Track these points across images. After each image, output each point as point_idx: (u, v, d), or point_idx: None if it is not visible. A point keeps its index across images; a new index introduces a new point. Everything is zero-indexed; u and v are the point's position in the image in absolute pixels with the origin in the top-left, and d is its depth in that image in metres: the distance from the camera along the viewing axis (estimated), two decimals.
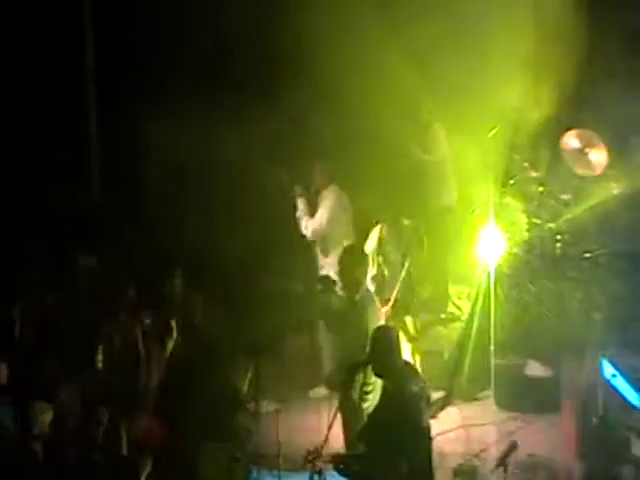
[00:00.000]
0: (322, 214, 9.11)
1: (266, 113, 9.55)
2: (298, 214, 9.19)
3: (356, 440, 6.42)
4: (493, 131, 9.31)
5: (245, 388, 8.47)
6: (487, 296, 8.97)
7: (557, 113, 9.88)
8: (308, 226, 9.13)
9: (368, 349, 6.32)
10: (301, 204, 9.17)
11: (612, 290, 9.16)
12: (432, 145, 10.04)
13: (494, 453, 7.80)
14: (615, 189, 9.54)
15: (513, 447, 5.93)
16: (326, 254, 9.12)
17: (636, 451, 7.38)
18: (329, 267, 8.93)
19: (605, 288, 9.20)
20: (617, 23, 9.98)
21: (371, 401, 6.73)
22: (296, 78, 9.74)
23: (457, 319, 9.75)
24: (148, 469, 6.78)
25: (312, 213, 9.15)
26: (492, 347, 9.06)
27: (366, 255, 7.39)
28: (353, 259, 7.28)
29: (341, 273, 7.28)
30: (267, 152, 9.72)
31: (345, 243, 8.89)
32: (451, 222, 10.01)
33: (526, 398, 8.81)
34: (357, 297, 7.14)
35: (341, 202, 9.19)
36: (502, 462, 5.84)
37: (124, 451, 6.86)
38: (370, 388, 6.75)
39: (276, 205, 9.76)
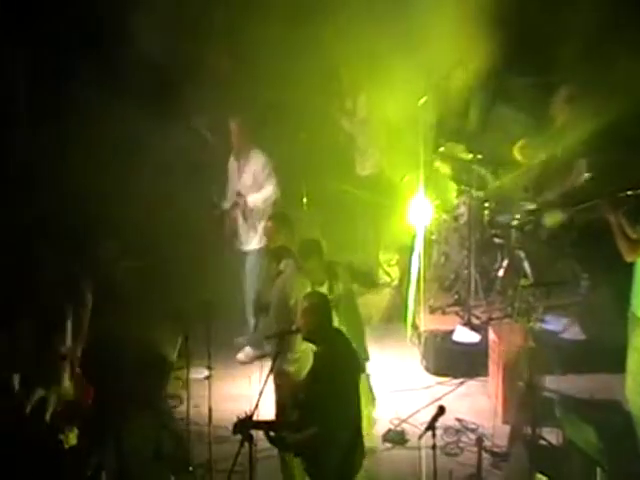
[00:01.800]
0: (268, 185, 9.02)
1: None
2: (230, 176, 9.11)
3: (287, 407, 6.44)
4: (423, 99, 9.33)
5: (174, 355, 8.45)
6: (417, 262, 9.05)
7: (486, 82, 9.98)
8: (257, 197, 9.02)
9: (298, 316, 6.32)
10: (232, 167, 9.08)
11: (537, 256, 9.31)
12: (359, 114, 10.07)
13: (423, 418, 7.91)
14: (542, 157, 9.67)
15: (441, 412, 5.98)
16: (252, 218, 9.09)
17: (559, 414, 7.54)
18: (256, 232, 8.95)
19: (530, 255, 9.33)
20: None
21: (299, 366, 6.74)
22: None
23: (387, 286, 9.83)
24: (74, 441, 6.71)
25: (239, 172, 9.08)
26: (422, 314, 9.18)
27: (290, 223, 7.33)
28: (277, 226, 7.25)
29: (266, 241, 7.25)
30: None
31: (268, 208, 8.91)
32: (380, 189, 10.06)
33: (454, 363, 8.94)
34: (282, 266, 7.12)
35: (267, 167, 9.10)
36: (430, 426, 5.89)
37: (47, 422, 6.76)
38: (298, 355, 6.77)
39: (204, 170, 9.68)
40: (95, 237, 8.45)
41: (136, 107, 9.18)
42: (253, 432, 5.96)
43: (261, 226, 8.87)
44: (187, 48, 9.62)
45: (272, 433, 6.10)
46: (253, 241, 9.09)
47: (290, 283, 6.92)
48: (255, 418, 6.03)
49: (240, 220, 9.14)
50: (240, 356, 9.09)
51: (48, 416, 6.58)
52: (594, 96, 9.38)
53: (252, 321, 9.00)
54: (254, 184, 9.08)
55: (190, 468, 7.37)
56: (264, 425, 6.13)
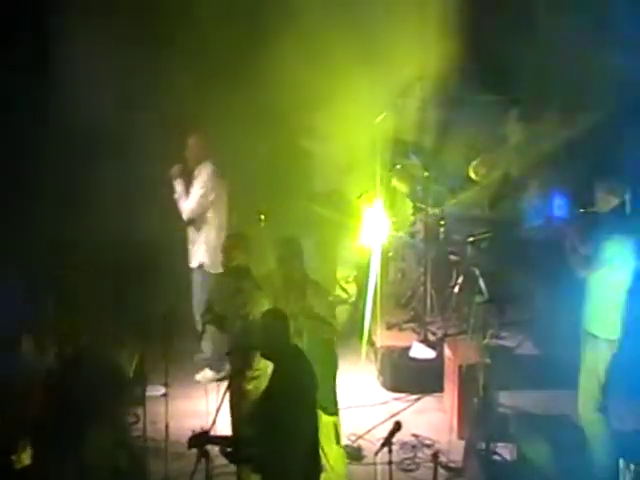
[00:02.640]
0: (195, 192, 9.01)
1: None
2: (176, 196, 9.09)
3: (244, 423, 6.44)
4: (380, 117, 9.41)
5: (131, 371, 8.40)
6: (373, 279, 9.11)
7: (442, 99, 10.09)
8: (184, 208, 9.03)
9: (256, 333, 6.34)
10: (178, 186, 9.06)
11: (492, 274, 9.42)
12: (318, 130, 10.13)
13: (380, 434, 7.96)
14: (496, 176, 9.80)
15: (397, 427, 6.02)
16: (199, 233, 9.07)
17: (514, 430, 7.63)
18: (201, 247, 8.94)
19: (485, 271, 9.44)
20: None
21: (256, 384, 6.75)
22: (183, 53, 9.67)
23: (344, 302, 9.85)
24: (27, 461, 6.65)
25: (188, 187, 9.07)
26: (379, 331, 9.23)
27: (248, 240, 7.35)
28: (233, 244, 7.26)
29: (223, 259, 7.25)
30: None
31: (218, 222, 8.90)
32: (337, 206, 10.11)
33: (410, 379, 9.00)
34: (242, 283, 7.13)
35: (215, 179, 9.06)
36: (387, 442, 5.93)
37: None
38: (257, 373, 6.77)
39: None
40: (50, 250, 8.40)
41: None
42: (209, 447, 5.95)
43: (200, 243, 8.89)
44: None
45: (228, 449, 6.10)
46: (194, 258, 9.11)
47: (249, 301, 6.93)
48: (211, 434, 6.03)
49: (189, 236, 9.16)
50: (198, 377, 9.05)
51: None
52: (548, 115, 9.55)
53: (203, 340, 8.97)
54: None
55: None
56: (220, 440, 6.12)
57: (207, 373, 9.01)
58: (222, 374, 8.65)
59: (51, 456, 6.80)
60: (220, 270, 7.76)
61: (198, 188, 9.02)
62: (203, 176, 9.04)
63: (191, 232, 9.16)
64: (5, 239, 8.92)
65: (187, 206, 9.04)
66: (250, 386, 6.78)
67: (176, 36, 9.84)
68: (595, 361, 7.18)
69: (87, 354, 7.50)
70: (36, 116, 9.60)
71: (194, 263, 9.12)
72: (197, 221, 9.09)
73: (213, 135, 9.27)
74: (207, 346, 8.97)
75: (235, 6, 9.73)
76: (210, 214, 9.09)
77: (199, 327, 8.81)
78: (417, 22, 9.64)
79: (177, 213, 9.19)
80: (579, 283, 7.29)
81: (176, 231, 9.28)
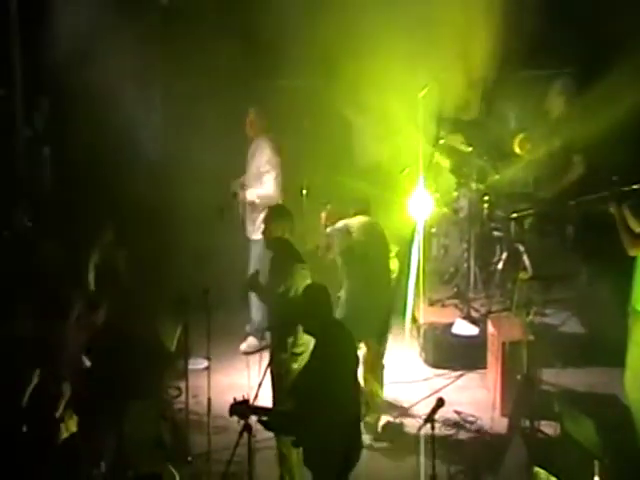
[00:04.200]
0: (268, 180, 8.99)
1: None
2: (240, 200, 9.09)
3: (286, 397, 6.44)
4: (423, 91, 9.32)
5: (173, 345, 8.44)
6: (416, 255, 9.06)
7: (486, 74, 9.97)
8: (263, 197, 8.97)
9: (298, 308, 6.32)
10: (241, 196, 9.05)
11: (537, 250, 9.32)
12: (361, 104, 10.06)
13: (422, 410, 7.92)
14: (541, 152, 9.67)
15: (440, 404, 5.98)
16: (259, 206, 9.01)
17: (557, 408, 7.56)
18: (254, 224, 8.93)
19: (530, 248, 9.34)
20: None
21: (301, 362, 6.74)
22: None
23: None
24: (73, 428, 6.72)
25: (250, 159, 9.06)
26: (422, 307, 9.19)
27: (290, 214, 7.30)
28: (275, 217, 7.23)
29: (265, 231, 7.22)
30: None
31: (278, 195, 8.90)
32: (380, 181, 10.05)
33: (453, 356, 8.95)
34: (283, 256, 7.10)
35: (273, 154, 9.08)
36: (429, 419, 5.89)
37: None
38: (301, 349, 6.75)
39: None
40: (93, 226, 8.43)
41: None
42: (252, 422, 5.95)
43: (260, 218, 8.87)
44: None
45: (269, 421, 6.10)
46: (256, 231, 9.08)
47: (289, 275, 6.91)
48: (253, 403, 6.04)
49: (245, 209, 9.15)
50: (243, 346, 9.08)
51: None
52: (591, 89, 9.40)
53: (252, 309, 9.01)
54: (257, 176, 9.09)
55: (189, 458, 7.39)
56: (260, 410, 6.12)
57: (251, 341, 9.03)
58: (266, 343, 8.63)
59: (95, 427, 6.87)
60: None
61: (269, 176, 8.99)
62: (267, 158, 9.03)
63: (249, 205, 9.13)
64: (47, 215, 9.00)
65: (256, 193, 8.99)
66: (294, 363, 6.75)
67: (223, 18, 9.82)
68: None
69: (130, 326, 7.56)
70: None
71: (255, 235, 9.06)
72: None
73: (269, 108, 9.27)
74: (256, 315, 8.98)
75: None
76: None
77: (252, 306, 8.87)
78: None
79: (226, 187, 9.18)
80: (625, 260, 7.19)
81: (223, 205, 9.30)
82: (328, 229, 7.88)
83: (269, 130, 9.16)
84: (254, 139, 9.16)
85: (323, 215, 8.02)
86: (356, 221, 7.81)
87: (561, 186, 9.32)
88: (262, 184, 9.05)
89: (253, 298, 8.83)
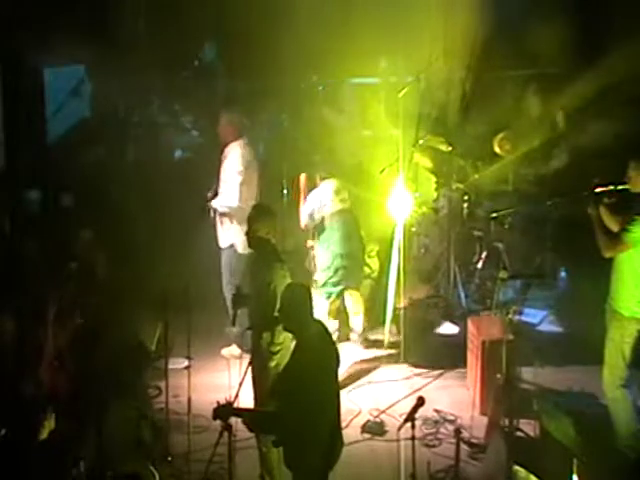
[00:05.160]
0: (232, 189, 8.78)
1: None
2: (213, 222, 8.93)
3: (267, 397, 6.44)
4: (403, 91, 9.34)
5: (154, 344, 8.42)
6: (397, 254, 9.08)
7: (465, 74, 10.01)
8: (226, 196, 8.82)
9: (278, 306, 6.33)
10: (217, 215, 8.89)
11: (516, 249, 9.37)
12: (342, 105, 10.08)
13: (402, 409, 7.95)
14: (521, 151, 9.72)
15: (420, 403, 6.00)
16: (230, 214, 8.91)
17: (537, 406, 7.59)
18: (233, 227, 8.87)
19: (509, 248, 9.38)
20: None
21: (279, 360, 6.75)
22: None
23: (367, 277, 9.84)
24: (52, 426, 6.70)
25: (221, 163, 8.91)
26: (402, 304, 9.21)
27: (272, 214, 7.32)
28: (258, 216, 7.23)
29: (248, 230, 7.22)
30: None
31: (250, 203, 8.83)
32: (360, 181, 10.07)
33: (433, 355, 8.97)
34: (264, 256, 7.11)
35: (245, 160, 8.89)
36: (410, 417, 5.91)
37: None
38: (277, 348, 6.76)
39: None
40: (72, 227, 8.39)
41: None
42: (232, 421, 5.96)
43: (230, 225, 8.84)
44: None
45: (251, 421, 6.11)
46: (223, 239, 9.01)
47: (270, 274, 6.91)
48: (235, 405, 6.04)
49: (215, 216, 9.06)
50: (224, 352, 9.03)
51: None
52: (569, 89, 9.46)
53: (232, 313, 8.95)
54: (223, 184, 8.89)
55: (169, 458, 7.37)
56: (244, 412, 6.13)
57: (234, 350, 8.98)
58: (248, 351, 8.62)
59: (74, 427, 6.85)
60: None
61: (233, 183, 8.77)
62: (235, 163, 8.82)
63: (220, 213, 9.04)
64: (28, 214, 8.96)
65: (219, 203, 8.82)
66: (272, 362, 6.76)
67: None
68: (621, 338, 7.14)
69: (110, 325, 7.54)
70: None
71: (224, 243, 9.03)
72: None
73: (244, 111, 9.18)
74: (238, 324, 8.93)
75: None
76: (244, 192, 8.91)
77: (230, 310, 8.82)
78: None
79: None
80: (603, 260, 7.24)
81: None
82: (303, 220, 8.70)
83: (242, 134, 8.92)
84: (224, 144, 8.94)
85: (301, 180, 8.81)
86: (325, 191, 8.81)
87: (543, 175, 9.37)
88: (226, 194, 8.84)
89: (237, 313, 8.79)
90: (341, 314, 9.22)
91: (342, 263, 8.89)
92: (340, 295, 9.05)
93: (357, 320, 9.25)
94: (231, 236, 8.91)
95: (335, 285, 8.92)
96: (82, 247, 8.06)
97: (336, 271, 8.90)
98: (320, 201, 8.90)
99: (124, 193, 9.44)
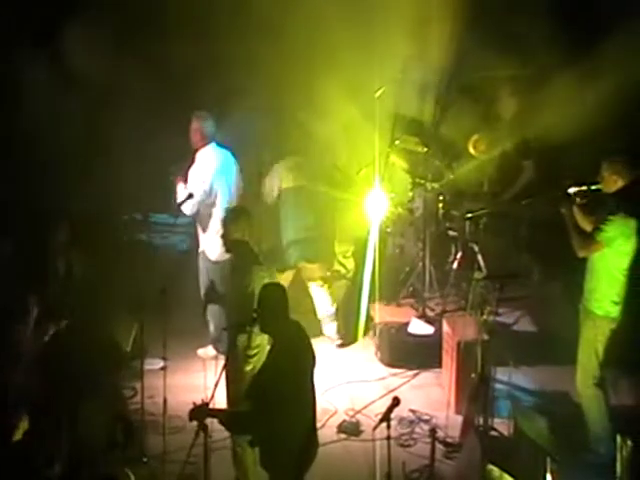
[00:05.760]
0: (196, 191, 8.58)
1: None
2: (178, 198, 8.61)
3: (242, 398, 6.44)
4: (379, 91, 9.36)
5: (129, 345, 8.40)
6: (372, 254, 9.11)
7: (442, 74, 10.04)
8: (185, 209, 8.60)
9: (255, 307, 6.33)
10: (180, 190, 8.63)
11: (491, 250, 9.41)
12: (317, 105, 10.07)
13: (378, 409, 7.97)
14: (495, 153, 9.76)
15: (396, 403, 6.03)
16: (202, 220, 8.86)
17: (510, 406, 7.64)
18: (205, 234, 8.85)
19: (484, 248, 9.43)
20: None
21: (255, 363, 6.75)
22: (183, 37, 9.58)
23: (342, 277, 9.86)
24: (26, 427, 6.67)
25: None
26: (377, 306, 9.24)
27: (247, 215, 7.32)
28: (234, 218, 7.23)
29: (224, 233, 7.23)
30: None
31: (221, 210, 8.81)
32: (336, 182, 10.08)
33: (408, 355, 9.01)
34: (240, 257, 7.11)
35: (214, 164, 8.76)
36: (385, 417, 5.94)
37: None
38: (254, 352, 6.77)
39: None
40: (48, 227, 8.33)
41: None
42: (208, 422, 5.96)
43: (200, 232, 8.82)
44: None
45: (228, 422, 6.11)
46: (200, 242, 8.95)
47: (247, 275, 6.92)
48: (211, 406, 6.04)
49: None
50: (200, 352, 9.01)
51: None
52: (544, 90, 9.51)
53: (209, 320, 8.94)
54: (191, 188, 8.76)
55: (144, 459, 7.36)
56: (220, 413, 6.14)
57: (209, 351, 8.97)
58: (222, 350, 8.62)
59: (48, 428, 6.83)
60: (221, 259, 7.96)
61: (197, 188, 8.60)
62: (203, 167, 8.70)
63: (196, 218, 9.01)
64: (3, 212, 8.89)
65: (187, 210, 8.64)
66: (249, 366, 6.77)
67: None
68: (594, 338, 7.21)
69: (86, 326, 7.52)
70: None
71: (200, 247, 8.94)
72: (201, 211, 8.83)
73: (217, 114, 9.12)
74: (212, 324, 8.93)
75: None
76: (213, 202, 8.80)
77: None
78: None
79: None
80: (577, 260, 7.30)
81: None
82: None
83: (212, 139, 8.78)
84: (197, 146, 8.78)
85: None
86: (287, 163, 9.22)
87: (513, 190, 9.44)
88: (187, 204, 8.61)
89: (209, 307, 8.79)
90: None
91: (295, 237, 9.11)
92: (294, 269, 9.19)
93: (324, 305, 9.31)
94: (203, 242, 8.90)
95: (289, 258, 9.07)
96: (57, 248, 8.03)
97: (289, 245, 9.10)
98: (275, 178, 9.18)
99: (99, 192, 9.37)
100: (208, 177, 8.69)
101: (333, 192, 9.43)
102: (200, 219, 8.84)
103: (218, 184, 8.75)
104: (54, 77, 9.33)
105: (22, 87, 9.37)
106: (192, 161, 8.81)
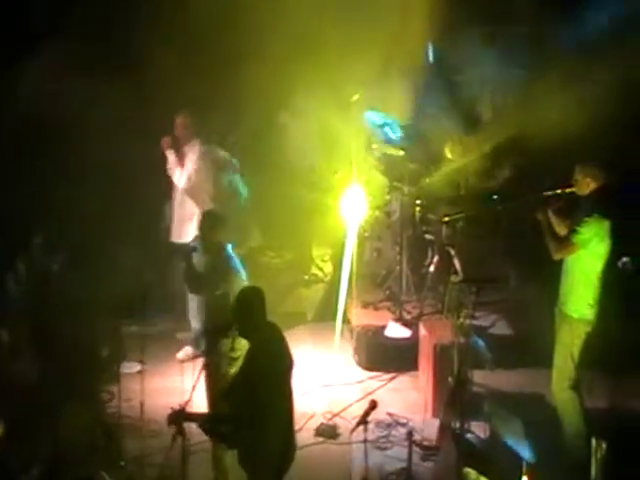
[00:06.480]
0: (189, 166, 9.00)
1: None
2: (169, 165, 9.04)
3: (220, 400, 6.45)
4: (356, 95, 9.40)
5: (107, 349, 8.38)
6: (349, 257, 9.13)
7: (416, 78, 10.08)
8: (182, 174, 8.98)
9: (232, 310, 6.34)
10: (171, 156, 9.02)
11: (467, 253, 9.45)
12: (295, 107, 10.11)
13: (355, 412, 7.99)
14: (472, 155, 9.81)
15: (373, 406, 6.05)
16: (186, 209, 9.02)
17: (487, 409, 7.69)
18: (189, 224, 8.89)
19: (461, 252, 9.46)
20: None
21: (238, 366, 6.76)
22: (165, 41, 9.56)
23: (320, 281, 9.89)
24: (2, 431, 6.65)
25: (182, 164, 9.05)
26: (354, 309, 9.26)
27: (223, 218, 7.35)
28: (211, 222, 7.25)
29: (201, 237, 7.24)
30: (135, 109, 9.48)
31: (207, 201, 8.87)
32: (313, 185, 10.11)
33: (385, 358, 9.04)
34: (217, 260, 7.13)
35: (202, 159, 9.06)
36: (362, 420, 5.96)
37: None
38: (238, 354, 6.76)
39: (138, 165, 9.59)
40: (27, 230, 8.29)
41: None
42: (185, 425, 5.96)
43: (187, 220, 8.87)
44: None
45: (206, 425, 6.11)
46: (179, 234, 9.05)
47: (225, 279, 6.93)
48: (189, 410, 6.05)
49: (174, 214, 9.11)
50: (180, 355, 9.01)
51: None
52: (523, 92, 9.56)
53: (190, 318, 8.97)
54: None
55: (122, 462, 7.34)
56: (197, 417, 6.13)
57: (187, 350, 8.99)
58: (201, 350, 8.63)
59: (26, 432, 6.80)
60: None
61: (191, 163, 9.00)
62: (195, 153, 9.02)
63: (177, 208, 9.10)
64: None
65: (184, 175, 8.98)
66: (231, 368, 6.76)
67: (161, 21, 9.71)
68: (570, 341, 7.26)
69: (64, 329, 7.49)
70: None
71: (178, 239, 9.04)
72: (187, 198, 9.04)
73: (198, 113, 9.20)
74: (195, 323, 8.95)
75: None
76: (201, 192, 9.03)
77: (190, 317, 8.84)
78: (392, 3, 9.61)
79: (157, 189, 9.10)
80: (552, 263, 7.35)
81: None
82: None
83: (197, 135, 9.08)
84: (184, 145, 9.09)
85: None
86: None
87: (489, 188, 9.48)
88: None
89: (191, 305, 8.80)
90: None
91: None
92: None
93: None
94: (188, 233, 8.94)
95: None
96: (34, 250, 7.99)
97: None
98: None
99: (81, 194, 9.33)
100: (200, 167, 8.98)
101: (310, 194, 9.47)
102: (189, 206, 8.97)
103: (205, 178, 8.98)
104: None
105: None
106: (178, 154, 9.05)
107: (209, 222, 7.22)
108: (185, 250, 7.52)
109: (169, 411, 5.97)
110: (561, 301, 7.34)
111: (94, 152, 9.52)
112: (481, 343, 7.73)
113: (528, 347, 8.67)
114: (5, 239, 8.08)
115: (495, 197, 8.12)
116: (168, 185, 9.17)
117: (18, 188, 9.02)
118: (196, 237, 7.39)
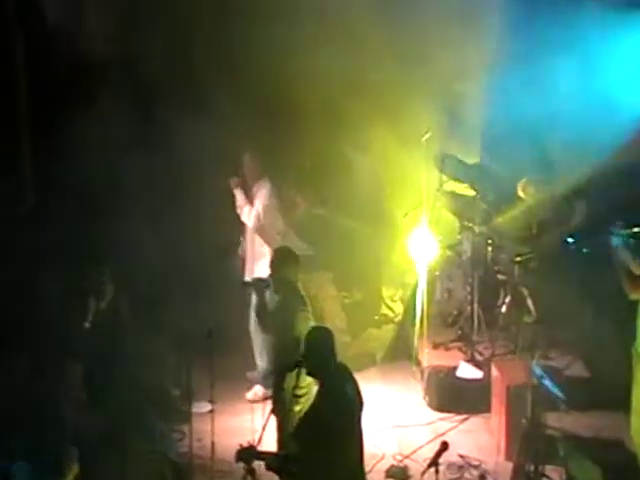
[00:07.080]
0: (259, 204, 9.03)
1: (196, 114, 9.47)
2: (238, 204, 9.09)
3: (289, 441, 6.41)
4: (426, 135, 9.38)
5: (177, 388, 8.42)
6: (420, 298, 9.06)
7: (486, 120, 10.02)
8: (251, 213, 9.01)
9: (302, 350, 6.31)
10: (239, 195, 9.08)
11: (540, 293, 9.32)
12: (367, 146, 10.12)
13: (426, 454, 7.89)
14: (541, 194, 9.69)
15: (444, 447, 5.96)
16: (258, 247, 9.06)
17: (562, 452, 7.52)
18: (262, 261, 8.91)
19: (534, 291, 9.33)
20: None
21: (304, 403, 6.72)
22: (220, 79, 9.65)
23: (390, 321, 9.82)
24: (76, 471, 6.71)
25: (251, 203, 9.09)
26: (425, 350, 9.17)
27: (295, 255, 7.35)
28: (283, 258, 7.26)
29: (273, 273, 7.25)
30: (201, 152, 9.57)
31: (277, 239, 8.91)
32: (383, 224, 10.08)
33: (456, 399, 8.92)
34: (287, 298, 7.12)
35: (273, 196, 9.10)
36: (433, 462, 5.86)
37: None
38: (303, 391, 6.74)
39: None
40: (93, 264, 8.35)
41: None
42: (255, 464, 5.93)
43: (261, 257, 8.90)
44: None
45: (274, 466, 6.07)
46: (253, 272, 9.06)
47: (293, 316, 6.92)
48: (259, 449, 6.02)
49: (246, 251, 9.17)
50: (249, 395, 9.00)
51: None
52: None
53: (256, 356, 8.97)
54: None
55: None
56: (266, 455, 6.10)
57: (257, 390, 8.98)
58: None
59: (97, 470, 6.85)
60: None
61: (260, 202, 9.04)
62: (263, 192, 9.06)
63: (248, 247, 9.15)
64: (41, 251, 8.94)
65: (253, 213, 9.02)
66: (298, 406, 6.73)
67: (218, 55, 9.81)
68: None
69: (130, 368, 7.54)
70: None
71: (250, 276, 9.01)
72: (256, 236, 9.08)
73: (265, 151, 9.27)
74: (261, 361, 8.94)
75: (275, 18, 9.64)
76: (269, 231, 9.05)
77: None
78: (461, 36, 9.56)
79: (228, 228, 9.16)
80: (629, 302, 7.19)
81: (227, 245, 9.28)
82: None
83: (265, 174, 9.12)
84: (253, 184, 9.12)
85: None
86: None
87: (564, 231, 9.34)
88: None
89: (257, 343, 8.81)
90: None
91: None
92: None
93: None
94: (261, 269, 8.93)
95: None
96: (102, 285, 8.00)
97: None
98: None
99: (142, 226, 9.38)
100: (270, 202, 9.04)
101: (379, 233, 9.43)
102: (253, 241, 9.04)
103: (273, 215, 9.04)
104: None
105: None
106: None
107: (281, 258, 7.24)
108: (258, 285, 7.53)
109: (239, 446, 5.94)
110: (638, 341, 7.17)
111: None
112: (555, 384, 7.57)
113: (605, 389, 8.47)
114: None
115: (570, 240, 7.96)
116: (239, 224, 9.23)
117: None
118: (269, 275, 7.38)
